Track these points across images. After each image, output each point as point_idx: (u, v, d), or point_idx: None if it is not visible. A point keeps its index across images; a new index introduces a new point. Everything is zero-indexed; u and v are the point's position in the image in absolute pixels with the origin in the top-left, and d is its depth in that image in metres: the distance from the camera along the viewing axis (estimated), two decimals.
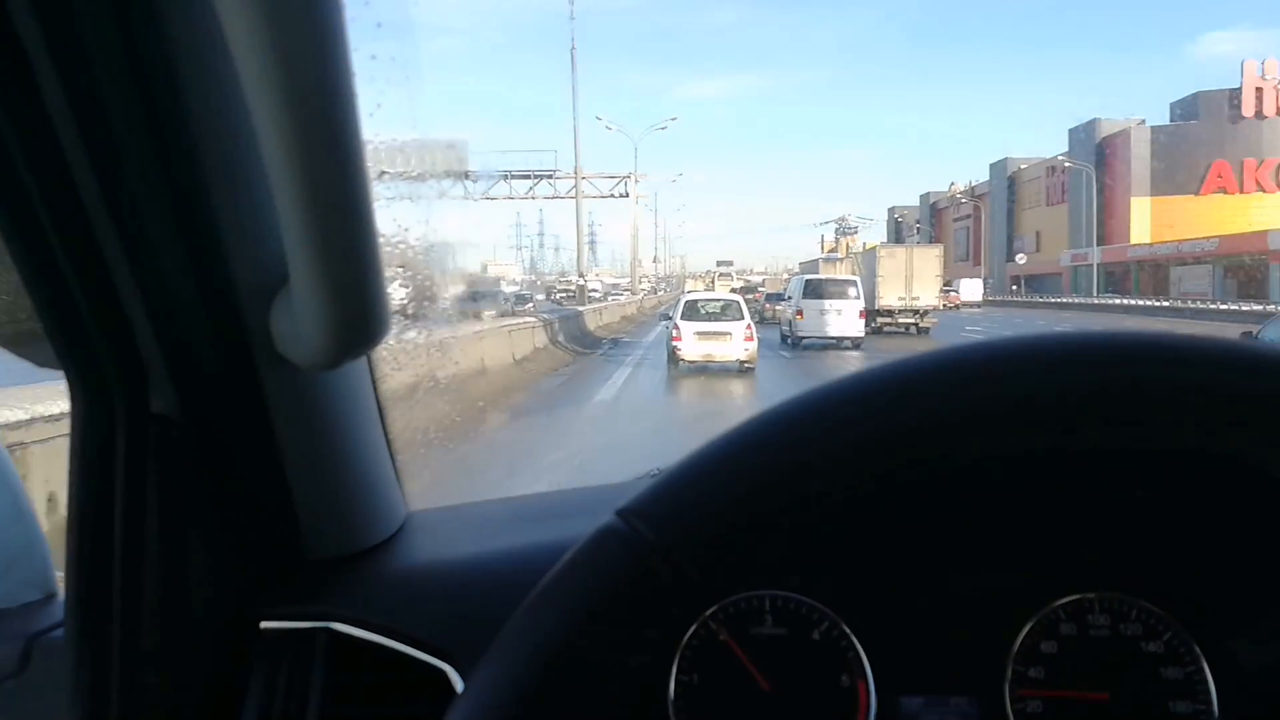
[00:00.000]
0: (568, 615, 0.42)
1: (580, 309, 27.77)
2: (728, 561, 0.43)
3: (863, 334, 21.69)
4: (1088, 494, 0.83)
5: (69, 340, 0.70)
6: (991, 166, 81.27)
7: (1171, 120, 60.25)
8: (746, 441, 0.45)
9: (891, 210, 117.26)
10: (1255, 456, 0.48)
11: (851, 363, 18.42)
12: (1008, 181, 77.15)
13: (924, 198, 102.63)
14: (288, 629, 0.80)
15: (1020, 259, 68.09)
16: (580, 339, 23.04)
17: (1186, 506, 0.79)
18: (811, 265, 51.89)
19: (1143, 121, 59.95)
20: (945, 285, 32.69)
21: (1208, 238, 48.43)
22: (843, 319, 21.31)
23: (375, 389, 0.89)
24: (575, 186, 35.70)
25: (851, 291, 22.05)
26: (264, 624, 0.80)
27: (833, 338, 21.28)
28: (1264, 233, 43.93)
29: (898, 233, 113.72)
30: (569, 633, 0.41)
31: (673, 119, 53.63)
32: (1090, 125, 62.98)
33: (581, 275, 38.93)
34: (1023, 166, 76.84)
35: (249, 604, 0.80)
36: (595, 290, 69.80)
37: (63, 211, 0.63)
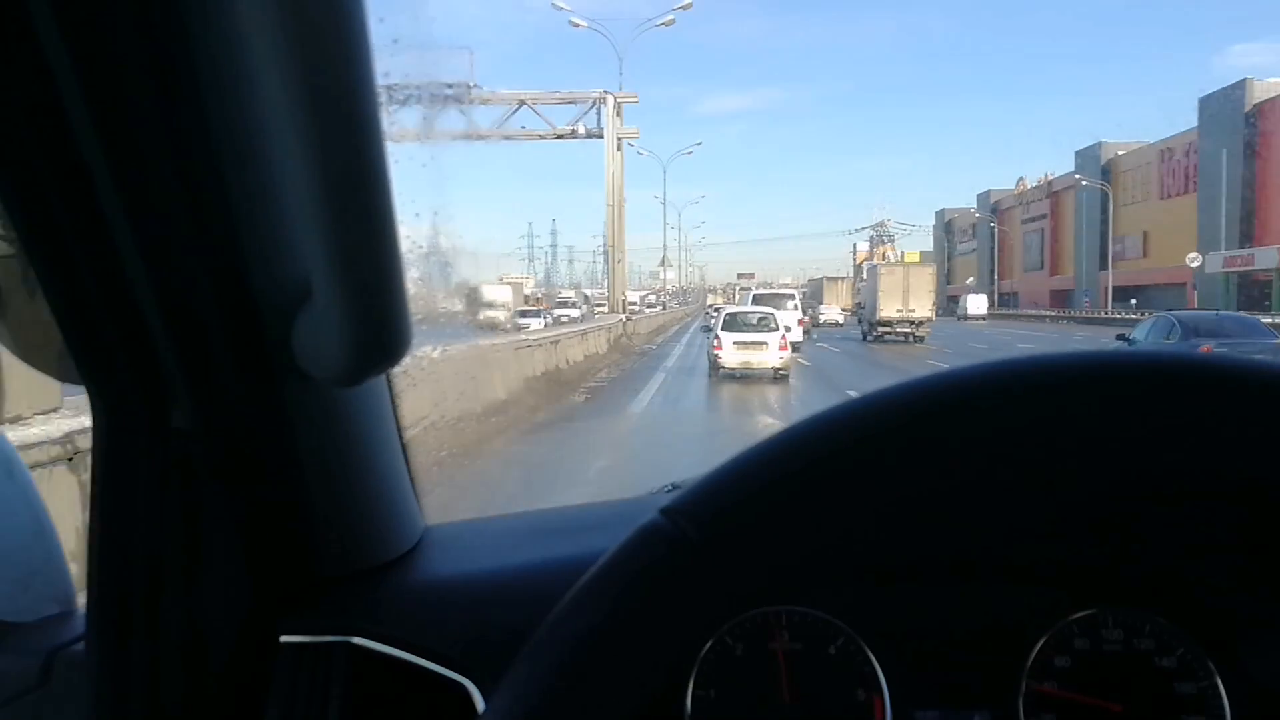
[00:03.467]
0: (610, 609, 0.42)
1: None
2: (763, 568, 0.44)
3: (801, 338, 25.91)
4: (1101, 509, 0.82)
5: (89, 353, 0.70)
6: (1078, 154, 67.10)
7: None
8: (789, 449, 0.45)
9: (940, 213, 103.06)
10: (1266, 480, 0.47)
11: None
12: (1101, 171, 62.98)
13: (982, 197, 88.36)
14: (307, 643, 0.80)
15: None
16: None
17: (1200, 522, 0.79)
18: (818, 283, 66.99)
19: None
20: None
21: None
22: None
23: (393, 403, 0.89)
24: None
25: (790, 304, 27.17)
26: (283, 638, 0.80)
27: None
28: None
29: (948, 238, 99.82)
30: (612, 625, 0.41)
31: (684, 6, 35.78)
32: (1237, 89, 48.72)
33: None
34: (1121, 153, 62.73)
35: (268, 618, 0.80)
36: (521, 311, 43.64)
37: (83, 224, 0.64)
